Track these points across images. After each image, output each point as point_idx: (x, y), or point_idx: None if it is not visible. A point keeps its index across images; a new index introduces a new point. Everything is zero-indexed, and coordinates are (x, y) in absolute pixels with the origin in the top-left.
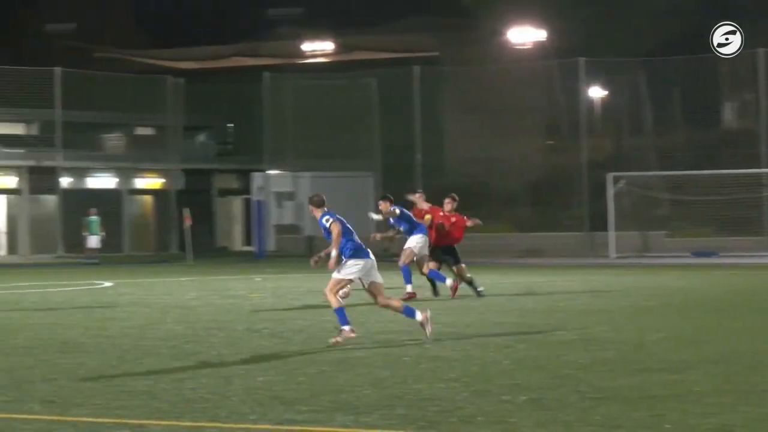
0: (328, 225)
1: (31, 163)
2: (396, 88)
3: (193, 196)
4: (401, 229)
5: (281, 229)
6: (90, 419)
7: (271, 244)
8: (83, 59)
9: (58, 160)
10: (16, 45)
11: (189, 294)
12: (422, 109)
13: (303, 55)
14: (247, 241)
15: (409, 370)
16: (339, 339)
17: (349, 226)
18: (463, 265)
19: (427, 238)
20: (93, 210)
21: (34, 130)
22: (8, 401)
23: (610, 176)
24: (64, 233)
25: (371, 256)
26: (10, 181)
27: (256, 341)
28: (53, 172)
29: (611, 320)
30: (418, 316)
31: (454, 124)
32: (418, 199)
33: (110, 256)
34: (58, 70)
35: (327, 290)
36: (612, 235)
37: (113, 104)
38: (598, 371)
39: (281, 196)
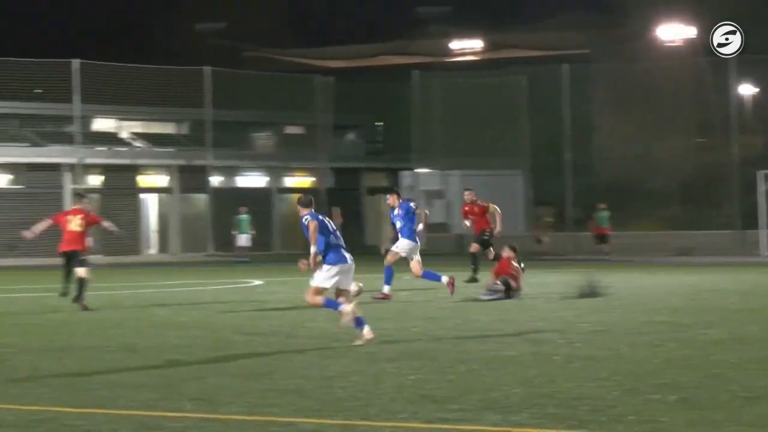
0: (306, 223)
1: (182, 162)
2: (545, 86)
3: (343, 194)
4: (397, 224)
5: (430, 228)
6: (240, 417)
7: (420, 243)
8: (233, 58)
9: (208, 159)
10: (166, 44)
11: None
12: (572, 107)
13: (452, 53)
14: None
15: (558, 369)
16: (359, 341)
17: (331, 227)
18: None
19: (417, 245)
20: (243, 209)
21: (184, 130)
22: (159, 399)
23: (761, 174)
24: (215, 232)
25: (349, 260)
26: (161, 180)
27: (406, 339)
28: (203, 171)
29: (762, 319)
30: (342, 307)
31: (603, 123)
32: (469, 196)
33: (260, 255)
34: (207, 69)
35: (308, 299)
36: (764, 233)
37: (262, 103)
38: (749, 370)
39: (430, 195)
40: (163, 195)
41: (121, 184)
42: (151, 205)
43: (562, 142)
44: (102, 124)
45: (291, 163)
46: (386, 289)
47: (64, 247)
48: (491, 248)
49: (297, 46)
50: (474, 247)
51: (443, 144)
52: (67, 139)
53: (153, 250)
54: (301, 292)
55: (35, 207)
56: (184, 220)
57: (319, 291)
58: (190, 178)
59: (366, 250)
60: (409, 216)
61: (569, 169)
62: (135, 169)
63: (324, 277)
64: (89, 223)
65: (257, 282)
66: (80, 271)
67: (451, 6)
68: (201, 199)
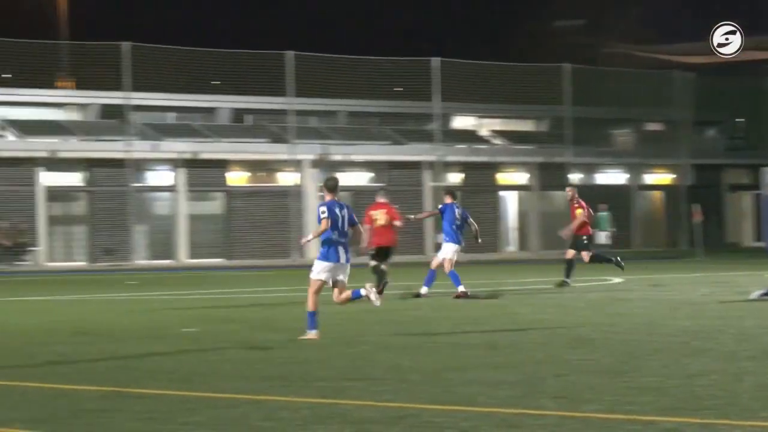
0: (321, 215)
1: (541, 159)
2: None
3: (703, 191)
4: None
5: None
6: (600, 415)
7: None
8: (591, 55)
9: (567, 156)
10: (525, 42)
11: (699, 290)
12: None
13: None
14: (757, 236)
15: None
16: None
17: (340, 223)
18: (585, 253)
19: (458, 248)
20: (603, 206)
21: (543, 127)
22: (519, 396)
23: None
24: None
25: (342, 259)
26: (521, 178)
27: (766, 338)
28: (563, 168)
29: None
30: (362, 291)
31: None
32: (570, 192)
33: (619, 252)
34: (567, 66)
35: (309, 291)
36: None
37: (621, 99)
38: None
39: None
40: (523, 192)
41: (481, 181)
42: (510, 202)
43: None
44: (461, 122)
45: (650, 160)
46: (461, 288)
47: (375, 242)
48: (588, 251)
49: (656, 42)
50: (570, 253)
51: None
52: (427, 137)
53: (512, 247)
54: (659, 290)
55: (396, 204)
56: (543, 217)
57: (316, 284)
58: (550, 176)
59: (726, 248)
60: (447, 218)
61: None
62: (494, 167)
63: (317, 270)
64: (391, 217)
65: (617, 279)
66: (385, 266)
67: None
68: (560, 196)
